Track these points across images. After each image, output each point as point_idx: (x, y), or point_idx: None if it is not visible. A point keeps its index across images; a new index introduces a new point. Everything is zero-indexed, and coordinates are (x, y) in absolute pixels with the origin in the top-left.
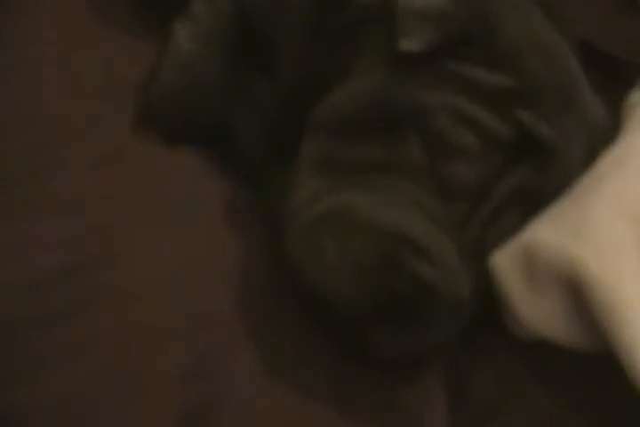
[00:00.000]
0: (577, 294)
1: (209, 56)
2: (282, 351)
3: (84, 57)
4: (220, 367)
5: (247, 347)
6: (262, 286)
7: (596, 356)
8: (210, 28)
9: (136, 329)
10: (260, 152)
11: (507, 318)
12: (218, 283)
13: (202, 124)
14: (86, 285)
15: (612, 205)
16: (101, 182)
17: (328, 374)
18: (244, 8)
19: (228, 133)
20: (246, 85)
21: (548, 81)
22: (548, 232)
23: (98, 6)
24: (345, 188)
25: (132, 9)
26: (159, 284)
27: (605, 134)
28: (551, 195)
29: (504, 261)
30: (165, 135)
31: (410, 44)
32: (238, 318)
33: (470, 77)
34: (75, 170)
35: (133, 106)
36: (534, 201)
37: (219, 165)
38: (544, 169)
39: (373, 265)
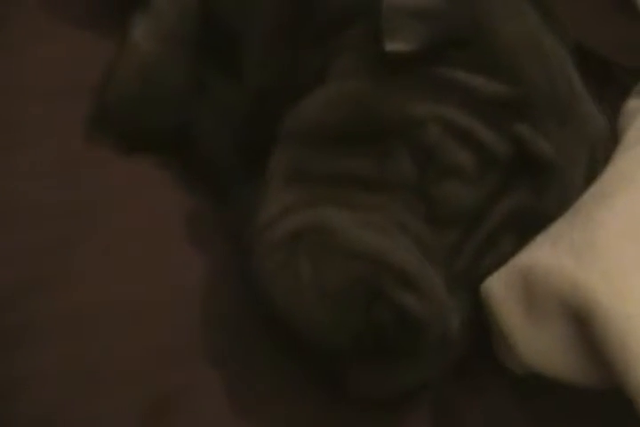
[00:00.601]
0: (581, 323)
1: (170, 56)
2: (250, 388)
3: (36, 56)
4: (181, 411)
5: (211, 385)
6: (227, 312)
7: (599, 393)
8: (172, 25)
9: (82, 369)
10: (226, 161)
11: (500, 351)
12: (179, 309)
13: (162, 131)
14: (34, 308)
15: (622, 224)
16: (56, 194)
17: (302, 414)
18: (210, 5)
19: (190, 141)
20: (211, 88)
21: (546, 89)
22: (549, 254)
23: (51, 1)
24: (321, 202)
25: (89, 3)
26: (114, 311)
27: (607, 147)
28: (551, 217)
29: (498, 288)
30: (123, 142)
31: (397, 44)
32: (200, 351)
33: (463, 85)
34: (28, 180)
35: (88, 110)
36: (532, 225)
37: (180, 176)
38: (543, 189)
39: (353, 293)
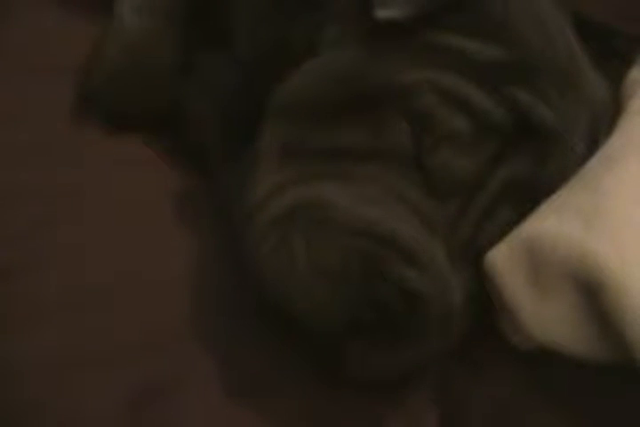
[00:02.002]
0: (591, 294)
1: (158, 31)
2: (243, 375)
3: (19, 33)
4: (171, 399)
5: (202, 372)
6: (218, 295)
7: (610, 368)
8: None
9: (66, 356)
10: (215, 140)
11: (505, 327)
12: (167, 292)
13: (149, 109)
14: (16, 294)
15: (631, 191)
16: (37, 176)
17: (299, 399)
18: None
19: (179, 119)
20: (199, 65)
21: (545, 54)
22: (555, 223)
23: None
24: (315, 178)
25: None
26: (98, 296)
27: (608, 115)
28: (551, 186)
29: (502, 260)
30: (109, 121)
31: (388, 10)
32: (190, 337)
33: (459, 50)
34: (9, 161)
35: (74, 88)
36: (533, 194)
37: (168, 156)
38: (543, 157)
39: (351, 270)
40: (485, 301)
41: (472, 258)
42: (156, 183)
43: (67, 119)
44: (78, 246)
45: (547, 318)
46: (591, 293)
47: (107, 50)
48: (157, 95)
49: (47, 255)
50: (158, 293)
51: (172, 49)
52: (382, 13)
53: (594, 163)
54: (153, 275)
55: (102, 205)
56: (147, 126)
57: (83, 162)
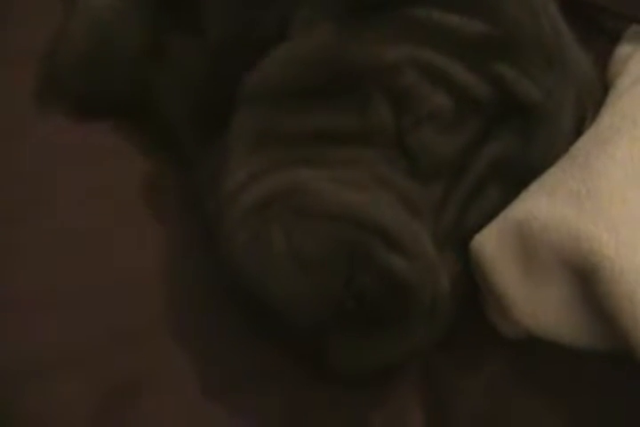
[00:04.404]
0: (585, 279)
1: (125, 11)
2: (220, 371)
3: None
4: (144, 397)
5: (176, 369)
6: (191, 289)
7: (602, 359)
8: None
9: (37, 355)
10: (185, 125)
11: (493, 314)
12: (137, 287)
13: (118, 93)
14: None
15: (625, 171)
16: (5, 164)
17: (279, 397)
18: None
19: (148, 103)
20: (169, 46)
21: (529, 29)
22: (546, 205)
23: None
24: (292, 164)
25: None
26: (67, 293)
27: (594, 92)
28: (540, 165)
29: (490, 244)
30: (75, 106)
31: None
32: (164, 333)
33: (439, 24)
34: None
35: (38, 72)
36: (520, 174)
37: (136, 142)
38: (529, 135)
39: (333, 259)
40: (473, 287)
41: (459, 242)
42: (125, 172)
43: (31, 105)
44: (44, 239)
45: (538, 305)
46: (585, 277)
47: (72, 29)
48: (125, 78)
49: (12, 250)
50: (129, 286)
51: (141, 29)
52: None
53: (585, 142)
54: (123, 267)
55: (69, 194)
56: (115, 112)
57: (45, 150)
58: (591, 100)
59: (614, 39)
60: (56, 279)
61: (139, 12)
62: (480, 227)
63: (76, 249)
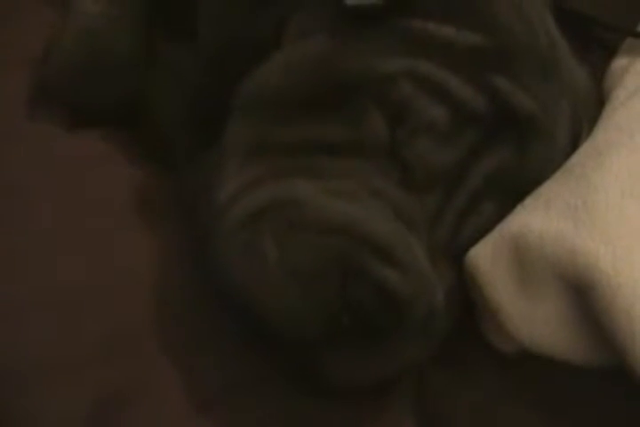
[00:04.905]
0: (581, 294)
1: (117, 18)
2: (209, 381)
3: None
4: (130, 408)
5: (164, 379)
6: (182, 298)
7: (602, 373)
8: None
9: (22, 363)
10: (178, 134)
11: (488, 329)
12: (127, 295)
13: (109, 101)
14: None
15: (621, 184)
16: None
17: (270, 409)
18: None
19: (140, 112)
20: (162, 55)
21: (525, 41)
22: (542, 218)
23: None
24: (286, 175)
25: None
26: (55, 298)
27: (590, 105)
28: (535, 178)
29: (485, 258)
30: (67, 115)
31: None
32: (152, 341)
33: (435, 36)
34: None
35: (28, 80)
36: (516, 187)
37: (128, 150)
38: (525, 148)
39: (326, 272)
40: (467, 301)
41: (453, 256)
42: (116, 180)
43: (20, 113)
44: (34, 246)
45: (533, 320)
46: (581, 292)
47: (63, 37)
48: (117, 87)
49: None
50: (118, 296)
51: (133, 37)
52: (352, 1)
53: (581, 155)
54: (113, 277)
55: (59, 204)
56: (106, 120)
57: (36, 158)
58: (587, 112)
59: (610, 52)
60: (45, 286)
61: (131, 20)
62: (475, 241)
63: (65, 256)
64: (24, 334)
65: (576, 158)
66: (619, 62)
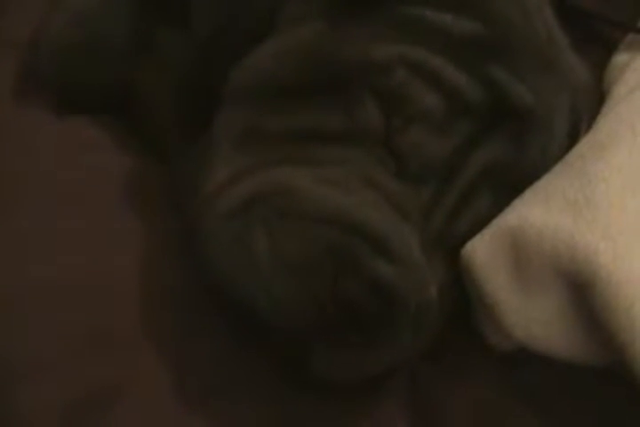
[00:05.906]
0: (580, 290)
1: (112, 4)
2: (200, 378)
3: None
4: (120, 405)
5: (155, 375)
6: (172, 291)
7: (595, 372)
8: None
9: (7, 359)
10: (171, 121)
11: (483, 325)
12: (116, 289)
13: (101, 89)
14: None
15: (622, 178)
16: None
17: (259, 406)
18: None
19: (131, 98)
20: (156, 40)
21: (523, 31)
22: (541, 213)
23: None
24: (277, 163)
25: None
26: (44, 293)
27: (589, 98)
28: (533, 171)
29: (482, 252)
30: (57, 102)
31: None
32: (142, 337)
33: (432, 23)
34: None
35: (18, 66)
36: (512, 180)
37: (118, 137)
38: (522, 140)
39: (318, 263)
40: (462, 296)
41: (447, 249)
42: (106, 167)
43: (12, 101)
44: (20, 237)
45: (530, 317)
46: (580, 288)
47: (55, 20)
48: (108, 72)
49: None
50: (104, 289)
51: (127, 23)
52: None
53: (581, 148)
54: (99, 270)
55: (48, 189)
56: (97, 106)
57: (24, 146)
58: (586, 105)
59: (611, 48)
60: (28, 274)
61: (126, 5)
62: (471, 234)
63: (53, 247)
64: (11, 331)
65: (576, 152)
66: (620, 58)
